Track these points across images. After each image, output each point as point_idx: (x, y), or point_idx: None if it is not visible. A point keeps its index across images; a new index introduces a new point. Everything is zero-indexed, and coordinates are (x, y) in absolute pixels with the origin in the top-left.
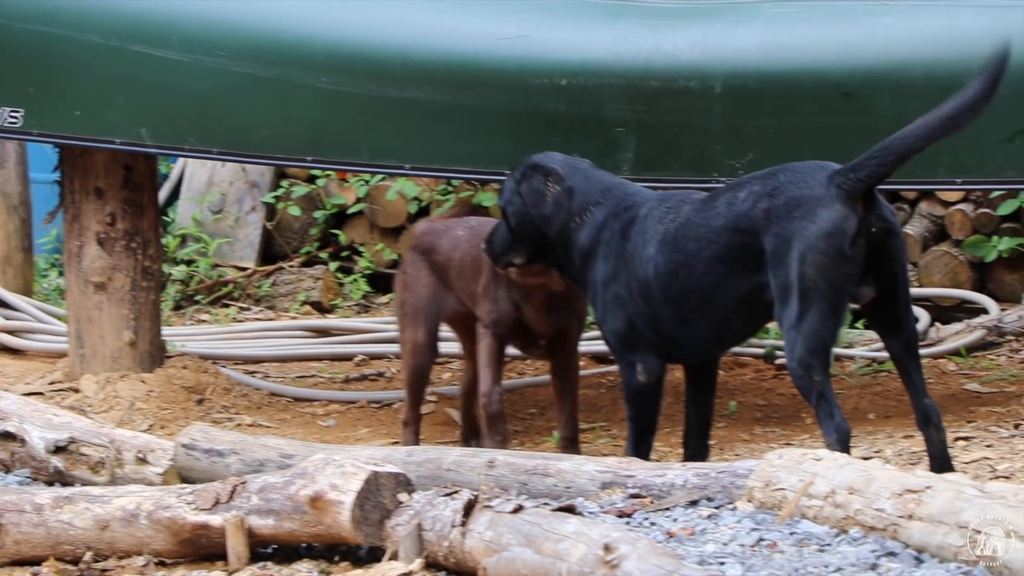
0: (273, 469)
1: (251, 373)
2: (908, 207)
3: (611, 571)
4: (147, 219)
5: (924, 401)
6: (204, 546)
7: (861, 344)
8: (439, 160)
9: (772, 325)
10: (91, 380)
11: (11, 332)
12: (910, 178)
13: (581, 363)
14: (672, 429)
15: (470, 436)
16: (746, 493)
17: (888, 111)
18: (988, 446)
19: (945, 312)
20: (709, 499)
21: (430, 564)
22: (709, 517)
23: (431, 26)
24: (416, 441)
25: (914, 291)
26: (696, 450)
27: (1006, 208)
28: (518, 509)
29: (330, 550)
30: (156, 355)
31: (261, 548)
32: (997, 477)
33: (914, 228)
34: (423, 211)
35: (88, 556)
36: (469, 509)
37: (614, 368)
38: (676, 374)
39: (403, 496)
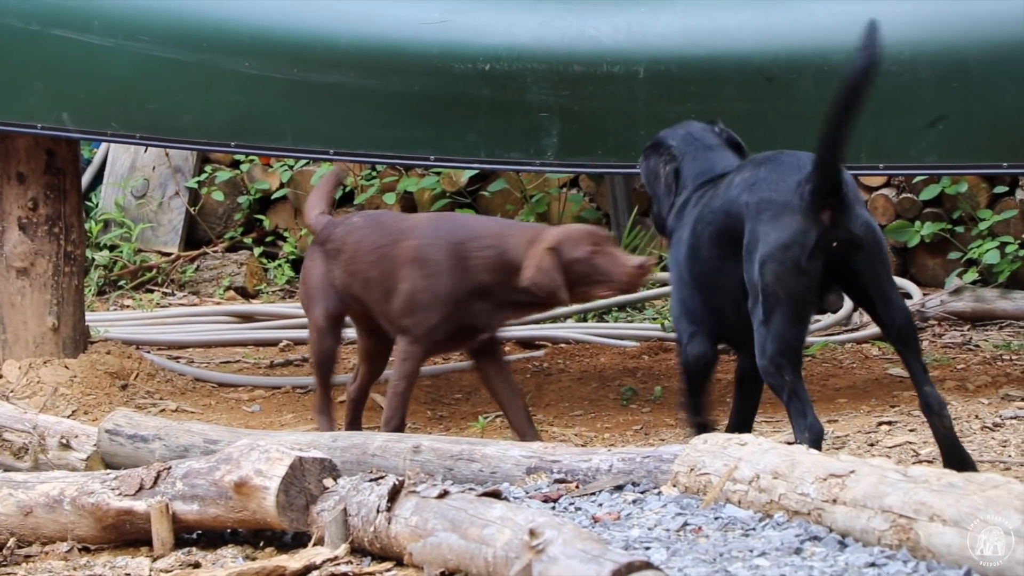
0: (198, 455)
1: (175, 358)
2: None
3: (536, 556)
4: (70, 204)
5: (925, 389)
6: (128, 532)
7: None
8: (363, 145)
9: None
10: (14, 366)
11: None
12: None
13: (507, 349)
14: (596, 414)
15: None
16: (671, 478)
17: (810, 96)
18: (911, 430)
19: None
20: (634, 484)
21: (355, 549)
22: (634, 502)
23: (355, 11)
24: (332, 427)
25: None
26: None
27: (928, 193)
28: (444, 494)
29: (255, 536)
30: (79, 340)
31: (186, 534)
32: (920, 461)
33: None
34: (348, 196)
35: (11, 542)
36: (395, 494)
37: (539, 354)
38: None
39: (328, 481)
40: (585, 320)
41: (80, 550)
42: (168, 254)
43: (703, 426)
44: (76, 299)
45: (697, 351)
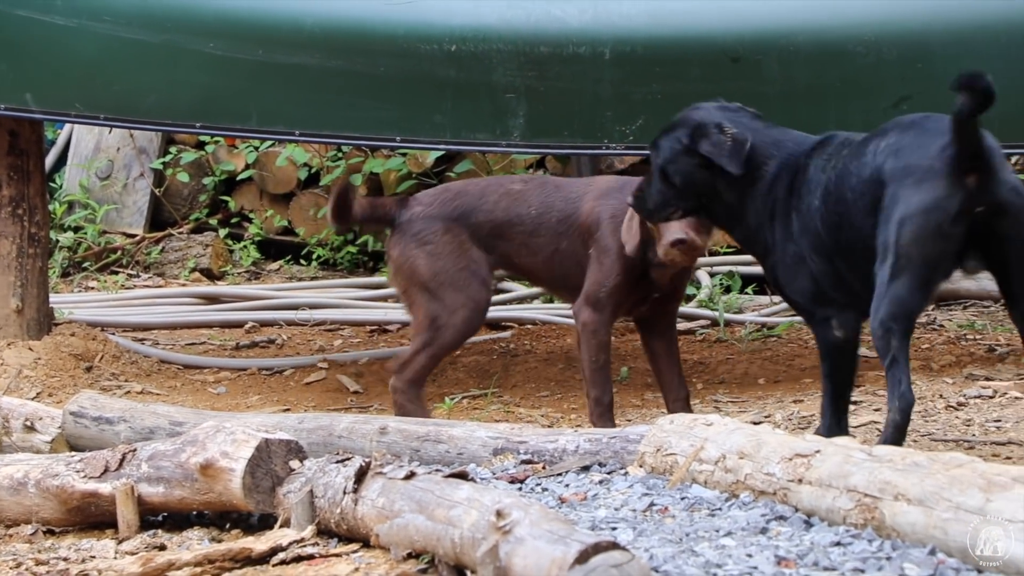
0: (163, 437)
1: (140, 340)
2: None
3: (503, 537)
4: (33, 185)
5: None
6: (94, 514)
7: (751, 309)
8: (329, 126)
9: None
10: None
11: None
12: None
13: None
14: (563, 395)
15: None
16: (638, 458)
17: (776, 76)
18: (876, 410)
19: None
20: (601, 464)
21: (322, 531)
22: (601, 482)
23: None
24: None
25: None
26: None
27: None
28: (410, 476)
29: (221, 518)
30: (44, 322)
31: (151, 516)
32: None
33: None
34: (313, 177)
35: None
36: (361, 476)
37: (505, 335)
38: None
39: (295, 463)
40: (551, 301)
41: (45, 532)
42: (133, 235)
43: (846, 410)
44: (40, 281)
45: (850, 324)
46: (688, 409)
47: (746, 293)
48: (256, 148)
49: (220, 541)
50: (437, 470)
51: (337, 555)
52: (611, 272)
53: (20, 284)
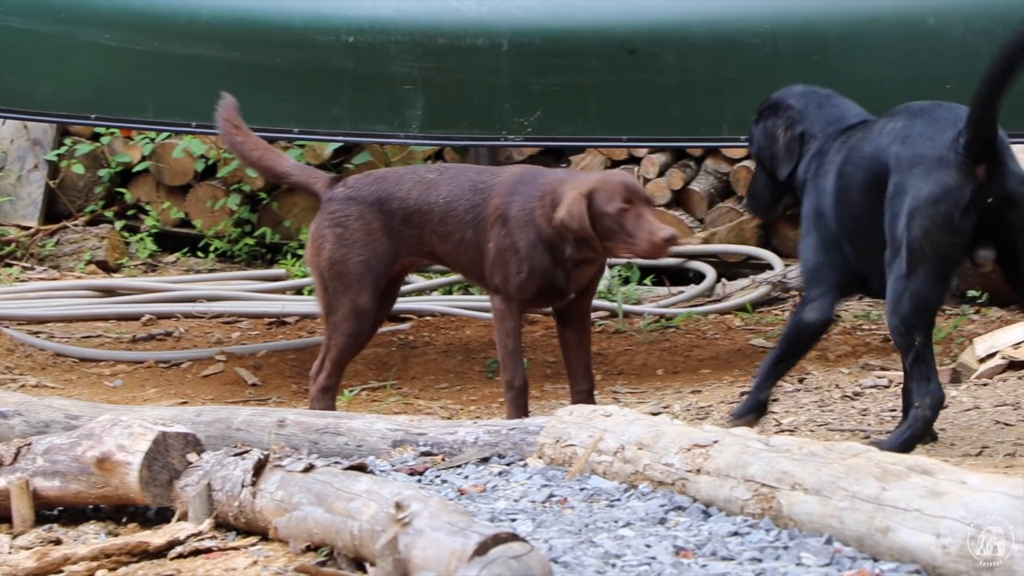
0: (59, 431)
1: (35, 333)
2: (694, 164)
3: (402, 529)
4: None
5: None
6: None
7: (649, 301)
8: None
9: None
10: None
11: None
12: (696, 135)
13: None
14: (462, 387)
15: None
16: (537, 450)
17: (673, 68)
18: (774, 400)
19: (731, 268)
20: (500, 456)
21: (220, 524)
22: (500, 474)
23: None
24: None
25: (700, 247)
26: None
27: None
28: (309, 468)
29: (118, 511)
30: None
31: (47, 510)
32: (782, 431)
33: (700, 185)
34: (210, 169)
35: None
36: (260, 469)
37: (404, 327)
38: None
39: (192, 456)
40: (451, 293)
41: None
42: (27, 228)
43: (763, 405)
44: None
45: (820, 314)
46: (591, 402)
47: (644, 284)
48: (152, 140)
49: (117, 535)
50: (336, 462)
51: (235, 548)
52: (519, 269)
53: None
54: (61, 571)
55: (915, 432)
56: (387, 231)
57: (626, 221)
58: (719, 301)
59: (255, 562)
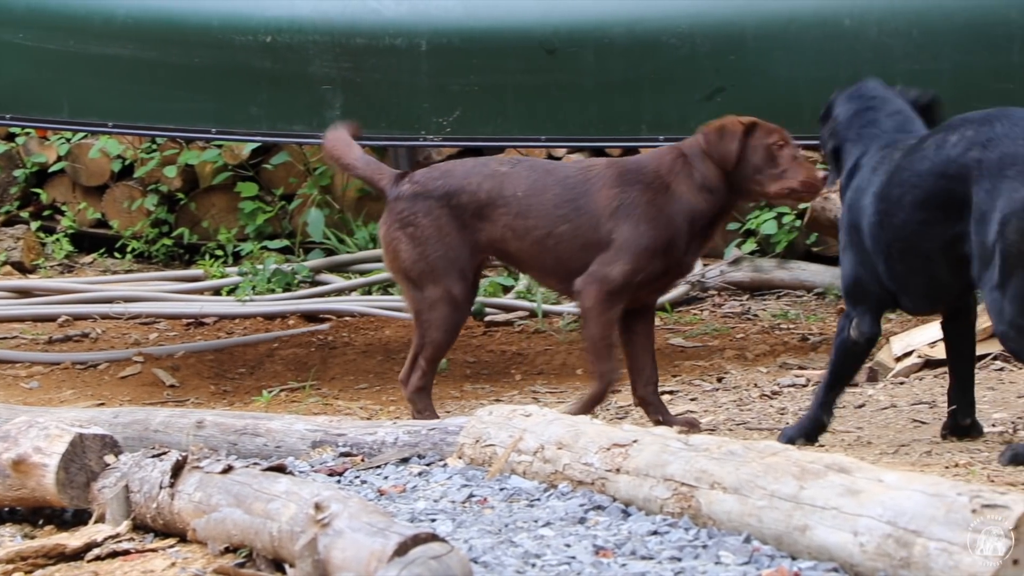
0: None
1: None
2: None
3: (322, 530)
4: None
5: None
6: None
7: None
8: (143, 118)
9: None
10: None
11: None
12: (614, 135)
13: (291, 322)
14: (382, 387)
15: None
16: (456, 450)
17: (592, 68)
18: (692, 399)
19: None
20: (420, 456)
21: (138, 526)
22: (420, 474)
23: None
24: (432, 411)
25: None
26: (961, 404)
27: None
28: (228, 469)
29: (35, 514)
30: None
31: None
32: (702, 430)
33: None
34: (127, 170)
35: None
36: (178, 470)
37: (323, 327)
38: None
39: (110, 458)
40: (370, 293)
41: None
42: None
43: (822, 426)
44: None
45: (868, 330)
46: (658, 398)
47: None
48: (68, 140)
49: (33, 537)
50: (255, 464)
51: (153, 550)
52: (643, 259)
53: None
54: None
55: None
56: (458, 225)
57: (783, 157)
58: None
59: (173, 564)
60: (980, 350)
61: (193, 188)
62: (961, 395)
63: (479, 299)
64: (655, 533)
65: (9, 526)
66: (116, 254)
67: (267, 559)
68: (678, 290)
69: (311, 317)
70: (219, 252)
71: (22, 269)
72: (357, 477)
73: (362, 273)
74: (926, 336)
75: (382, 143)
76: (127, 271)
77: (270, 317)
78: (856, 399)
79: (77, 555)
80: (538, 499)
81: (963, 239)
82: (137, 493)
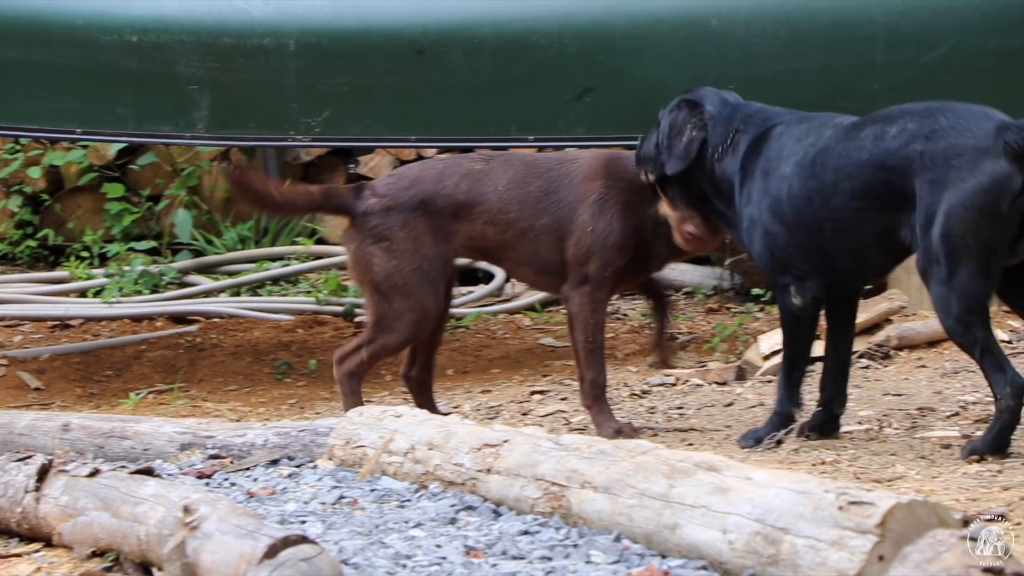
0: None
1: None
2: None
3: (191, 533)
4: None
5: None
6: None
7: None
8: (6, 118)
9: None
10: None
11: None
12: (484, 135)
13: (158, 324)
14: (251, 389)
15: None
16: (327, 451)
17: (461, 69)
18: (563, 399)
19: None
20: (290, 458)
21: (2, 531)
22: (290, 476)
23: None
24: (358, 397)
25: None
26: (835, 393)
27: None
28: (94, 473)
29: None
30: None
31: None
32: (572, 430)
33: None
34: None
35: None
36: (43, 474)
37: (191, 329)
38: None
39: None
40: (239, 294)
41: None
42: None
43: (790, 417)
44: None
45: (810, 291)
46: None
47: None
48: None
49: None
50: (123, 467)
51: (18, 555)
52: (617, 252)
53: None
54: None
55: (1004, 424)
56: (434, 233)
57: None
58: (508, 301)
59: (39, 569)
60: None
61: (58, 189)
62: (837, 381)
63: (348, 300)
64: (526, 533)
65: None
66: None
67: (135, 563)
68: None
69: (179, 319)
70: (85, 254)
71: None
72: (226, 479)
73: (231, 274)
74: None
75: (250, 144)
76: None
77: (137, 319)
78: (725, 397)
79: None
80: (409, 500)
81: (899, 227)
82: (2, 498)
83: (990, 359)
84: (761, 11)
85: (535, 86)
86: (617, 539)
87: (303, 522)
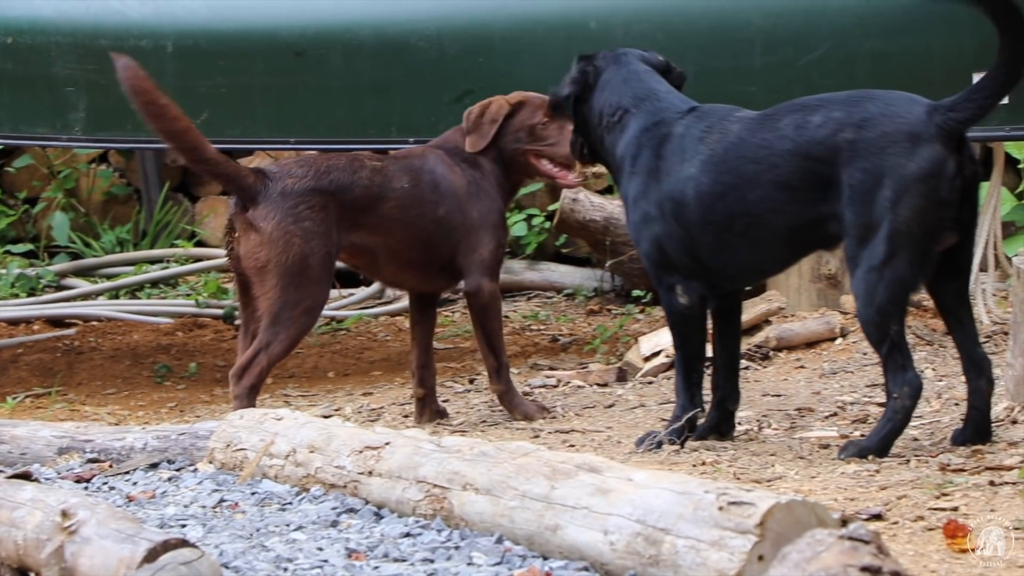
0: None
1: None
2: None
3: (69, 537)
4: None
5: (977, 351)
6: None
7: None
8: None
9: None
10: None
11: None
12: (364, 137)
13: (35, 327)
14: (130, 392)
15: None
16: (207, 455)
17: (340, 70)
18: (445, 401)
19: None
20: (170, 462)
21: None
22: (170, 480)
23: None
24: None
25: None
26: (727, 391)
27: None
28: None
29: None
30: None
31: None
32: (454, 432)
33: None
34: None
35: None
36: None
37: (69, 332)
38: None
39: None
40: (117, 297)
41: None
42: None
43: (693, 419)
44: None
45: (695, 291)
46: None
47: None
48: None
49: None
50: None
51: None
52: (497, 238)
53: None
54: None
55: (896, 424)
56: (337, 222)
57: (550, 132)
58: (389, 303)
59: None
60: None
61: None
62: (729, 379)
63: (228, 302)
64: (408, 535)
65: None
66: None
67: (12, 568)
68: None
69: (57, 322)
70: None
71: None
72: (105, 483)
73: (109, 277)
74: None
75: (128, 146)
76: None
77: (14, 322)
78: (606, 399)
79: None
80: (290, 503)
81: (825, 219)
82: None
83: (896, 356)
84: (639, 14)
85: (415, 88)
86: (499, 541)
87: (183, 526)
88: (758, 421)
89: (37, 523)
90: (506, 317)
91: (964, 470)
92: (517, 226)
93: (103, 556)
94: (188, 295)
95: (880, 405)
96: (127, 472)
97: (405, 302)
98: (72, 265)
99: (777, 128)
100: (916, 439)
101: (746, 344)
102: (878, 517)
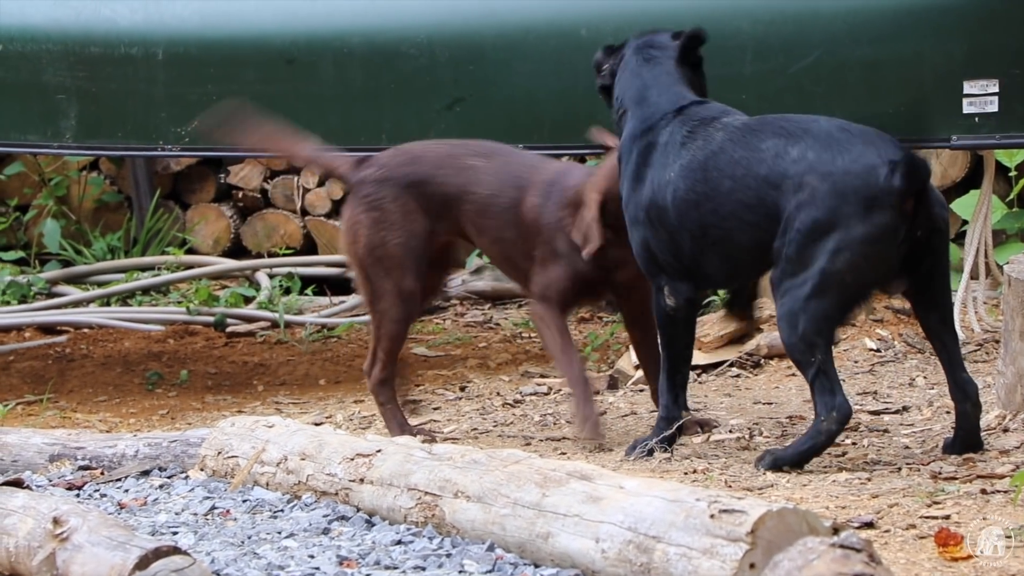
0: None
1: None
2: None
3: (61, 544)
4: None
5: (962, 376)
6: None
7: (311, 311)
8: None
9: None
10: None
11: None
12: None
13: (27, 335)
14: (121, 399)
15: None
16: (199, 462)
17: (331, 78)
18: (436, 409)
19: None
20: (161, 469)
21: None
22: (161, 487)
23: None
24: (396, 404)
25: None
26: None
27: None
28: None
29: None
30: None
31: None
32: (445, 439)
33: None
34: None
35: None
36: None
37: (60, 339)
38: None
39: None
40: (108, 304)
41: None
42: None
43: (677, 422)
44: None
45: (683, 292)
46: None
47: (306, 294)
48: None
49: None
50: None
51: None
52: (559, 276)
53: None
54: None
55: (817, 444)
56: (424, 211)
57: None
58: None
59: None
60: (715, 357)
61: None
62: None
63: (219, 310)
64: (399, 543)
65: None
66: None
67: (4, 575)
68: None
69: (48, 329)
70: None
71: None
72: (97, 491)
73: (100, 284)
74: None
75: (119, 153)
76: None
77: (5, 329)
78: (597, 407)
79: None
80: (281, 510)
81: (773, 241)
82: None
83: (823, 381)
84: (629, 22)
85: (406, 96)
86: (491, 548)
87: (175, 533)
88: (749, 429)
89: (29, 530)
90: (497, 325)
91: (956, 478)
92: None
93: (95, 563)
94: (179, 302)
95: (871, 413)
96: (118, 479)
97: None
98: (63, 272)
99: (759, 149)
100: (907, 447)
101: (737, 352)
102: (870, 525)
